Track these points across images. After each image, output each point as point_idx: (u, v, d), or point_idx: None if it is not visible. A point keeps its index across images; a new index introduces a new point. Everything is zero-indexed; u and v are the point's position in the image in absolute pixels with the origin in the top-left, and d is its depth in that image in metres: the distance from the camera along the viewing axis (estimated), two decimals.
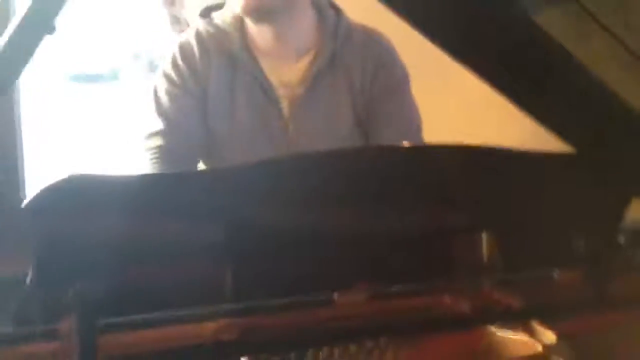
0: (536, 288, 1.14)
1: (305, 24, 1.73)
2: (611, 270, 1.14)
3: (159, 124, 1.70)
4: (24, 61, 0.97)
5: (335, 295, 1.05)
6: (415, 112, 1.80)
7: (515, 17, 1.10)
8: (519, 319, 1.09)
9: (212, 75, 1.71)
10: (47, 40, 1.00)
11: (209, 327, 0.99)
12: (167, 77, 1.72)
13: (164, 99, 1.71)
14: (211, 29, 1.73)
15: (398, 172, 1.09)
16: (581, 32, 1.09)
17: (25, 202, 0.82)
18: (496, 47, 1.12)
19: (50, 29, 1.00)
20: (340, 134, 1.72)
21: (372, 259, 1.10)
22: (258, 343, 0.99)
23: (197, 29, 1.75)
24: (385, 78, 1.74)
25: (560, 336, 1.04)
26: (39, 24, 0.99)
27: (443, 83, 2.21)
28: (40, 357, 0.92)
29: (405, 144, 1.20)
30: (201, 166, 1.79)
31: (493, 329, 1.09)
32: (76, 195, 0.84)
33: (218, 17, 1.75)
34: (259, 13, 1.64)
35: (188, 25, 2.68)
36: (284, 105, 1.72)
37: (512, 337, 1.07)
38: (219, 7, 1.77)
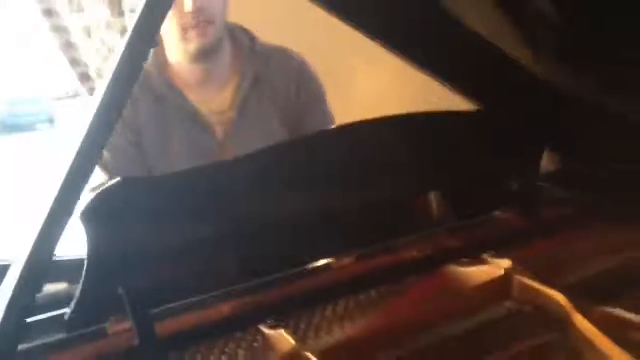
0: (484, 227, 1.38)
1: (227, 54, 1.89)
2: (538, 204, 1.40)
3: (102, 177, 1.79)
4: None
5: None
6: (333, 118, 2.01)
7: None
8: (474, 255, 1.31)
9: (143, 119, 1.82)
10: None
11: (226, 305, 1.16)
12: None
13: (104, 153, 1.81)
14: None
15: (344, 152, 1.27)
16: None
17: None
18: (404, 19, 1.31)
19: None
20: None
21: (346, 230, 1.29)
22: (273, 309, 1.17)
23: None
24: (307, 92, 1.93)
25: (516, 260, 1.26)
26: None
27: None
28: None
29: (341, 124, 1.34)
30: None
31: (456, 267, 1.30)
32: (124, 199, 0.98)
33: None
34: (203, 56, 1.79)
35: (87, 67, 2.78)
36: (218, 130, 1.87)
37: (474, 269, 1.28)
38: None
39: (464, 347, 1.11)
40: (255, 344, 1.13)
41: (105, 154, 1.82)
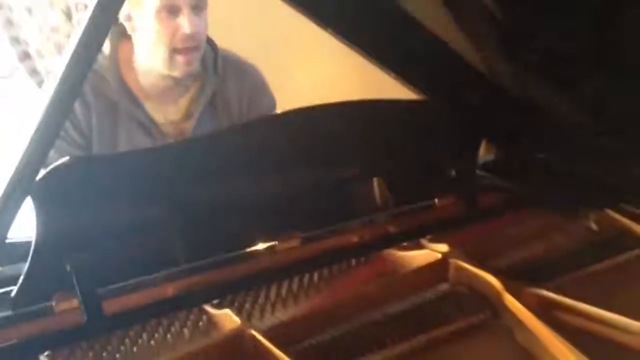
0: (422, 213, 1.43)
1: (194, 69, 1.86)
2: (474, 191, 1.46)
3: None
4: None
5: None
6: None
7: None
8: (413, 239, 1.37)
9: (94, 123, 1.80)
10: None
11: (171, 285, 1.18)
12: None
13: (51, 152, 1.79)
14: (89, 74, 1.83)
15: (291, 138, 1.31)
16: None
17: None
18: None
19: None
20: None
21: (290, 214, 1.33)
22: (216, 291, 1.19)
23: None
24: (259, 106, 1.94)
25: (452, 245, 1.32)
26: None
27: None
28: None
29: (287, 110, 1.34)
30: None
31: (395, 251, 1.36)
32: (74, 177, 1.00)
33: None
34: (182, 80, 1.80)
35: (28, 45, 2.72)
36: (170, 140, 1.84)
37: (413, 253, 1.34)
38: None
39: (402, 326, 1.17)
40: (201, 323, 1.16)
41: (52, 153, 1.82)
